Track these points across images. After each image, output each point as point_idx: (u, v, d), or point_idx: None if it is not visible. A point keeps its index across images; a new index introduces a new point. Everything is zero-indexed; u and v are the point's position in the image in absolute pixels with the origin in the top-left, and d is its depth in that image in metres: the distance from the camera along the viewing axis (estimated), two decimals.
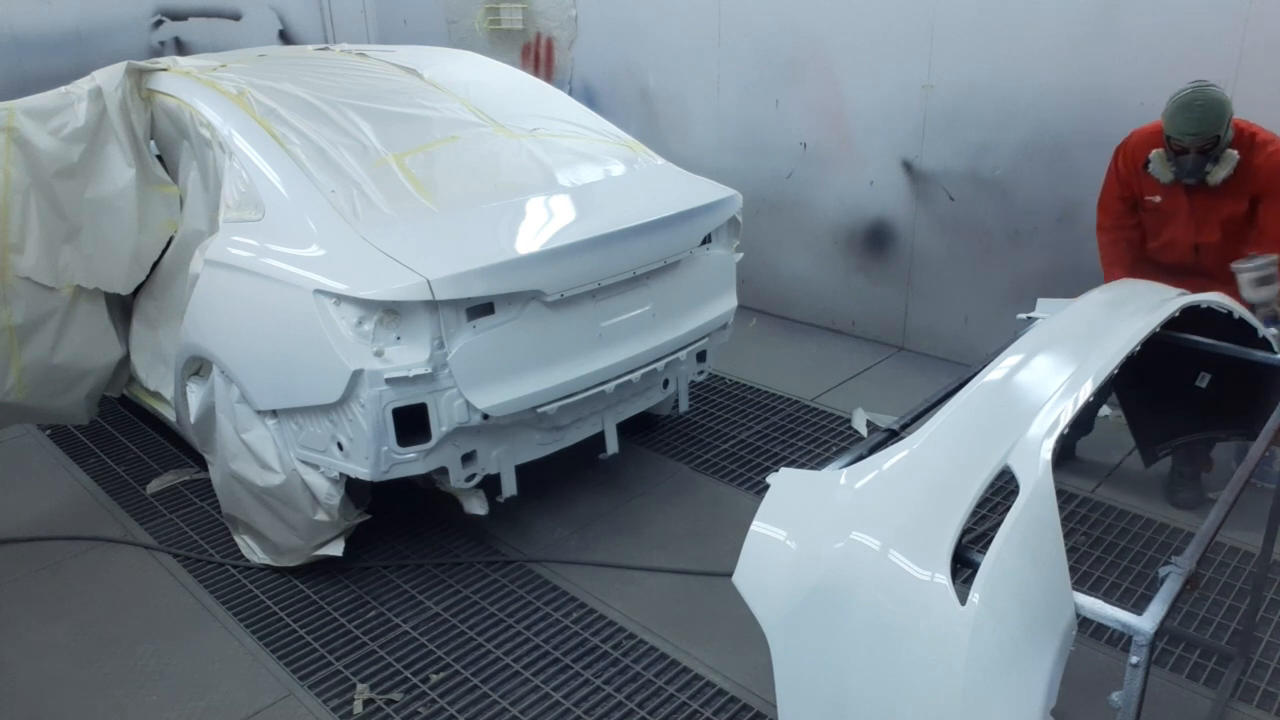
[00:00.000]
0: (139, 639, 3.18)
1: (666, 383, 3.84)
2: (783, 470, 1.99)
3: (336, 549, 3.34)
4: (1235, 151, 3.29)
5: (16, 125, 3.44)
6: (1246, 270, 3.20)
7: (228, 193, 3.34)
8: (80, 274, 3.64)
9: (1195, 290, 3.42)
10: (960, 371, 2.38)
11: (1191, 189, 3.38)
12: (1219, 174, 3.29)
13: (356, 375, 2.89)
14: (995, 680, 1.59)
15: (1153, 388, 2.94)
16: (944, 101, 4.71)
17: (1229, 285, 3.31)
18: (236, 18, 7.37)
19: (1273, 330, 3.11)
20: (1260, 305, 3.20)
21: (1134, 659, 1.59)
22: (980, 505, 1.81)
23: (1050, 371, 2.16)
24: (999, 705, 1.59)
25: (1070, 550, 3.48)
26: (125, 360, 3.97)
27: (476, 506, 3.39)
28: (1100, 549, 3.53)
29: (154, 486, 4.08)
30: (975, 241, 4.83)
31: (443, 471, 3.19)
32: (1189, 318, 2.58)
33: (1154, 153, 3.40)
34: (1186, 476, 3.71)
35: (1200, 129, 3.20)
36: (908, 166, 4.99)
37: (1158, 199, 3.48)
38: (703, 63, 5.71)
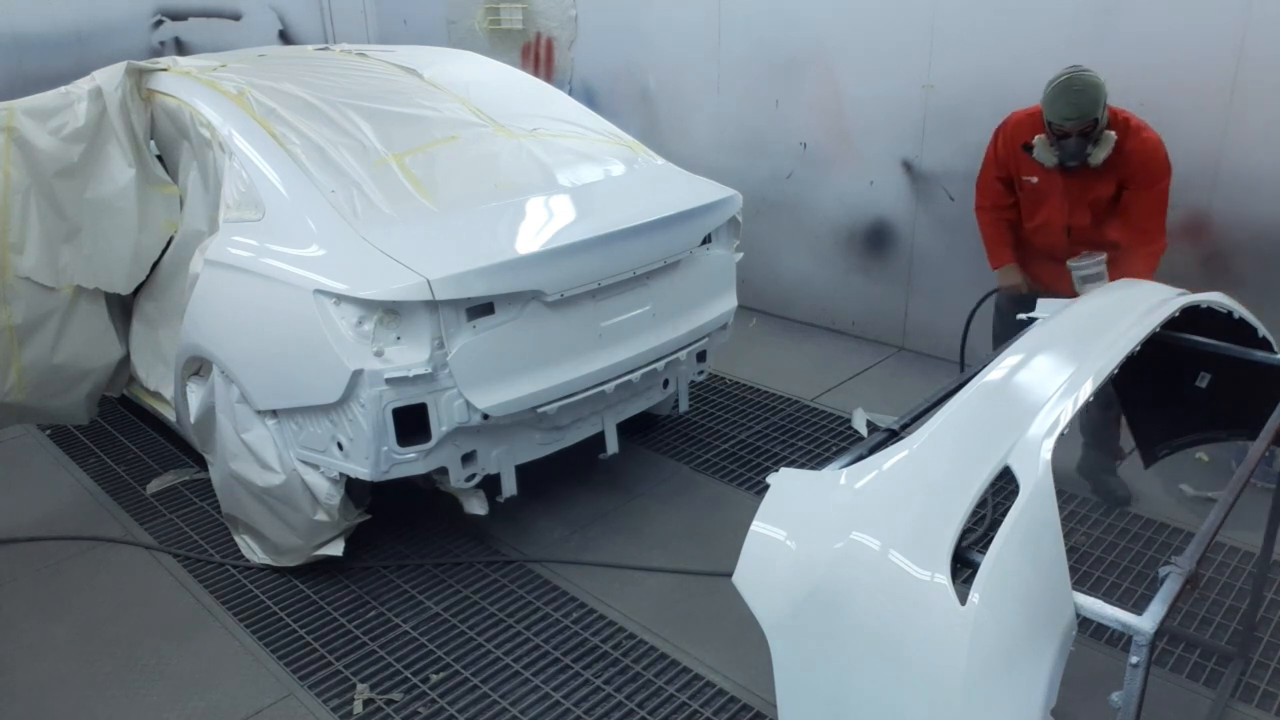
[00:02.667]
0: (139, 639, 3.18)
1: (666, 383, 3.84)
2: (783, 470, 1.99)
3: (336, 549, 3.34)
4: (1113, 133, 3.38)
5: (16, 125, 3.44)
6: (1077, 269, 3.34)
7: (228, 193, 3.34)
8: (80, 274, 3.64)
9: (1068, 285, 3.56)
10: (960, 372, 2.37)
11: (1068, 170, 3.46)
12: (1099, 155, 3.37)
13: (356, 375, 2.89)
14: (995, 680, 1.59)
15: (1153, 388, 2.94)
16: (944, 101, 4.71)
17: None
18: (236, 18, 7.37)
19: None
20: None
21: (1134, 659, 1.59)
22: (980, 505, 1.80)
23: (1050, 371, 2.16)
24: (999, 705, 1.59)
25: (1070, 550, 3.48)
26: (125, 360, 3.97)
27: (476, 506, 3.39)
28: (1100, 549, 3.53)
29: (154, 486, 4.08)
30: (975, 241, 4.81)
31: (443, 471, 3.19)
32: (1189, 318, 2.58)
33: (1037, 138, 3.48)
34: (1107, 471, 3.77)
35: (1080, 113, 3.27)
36: (908, 166, 4.99)
37: (1034, 179, 3.56)
38: (703, 63, 5.71)
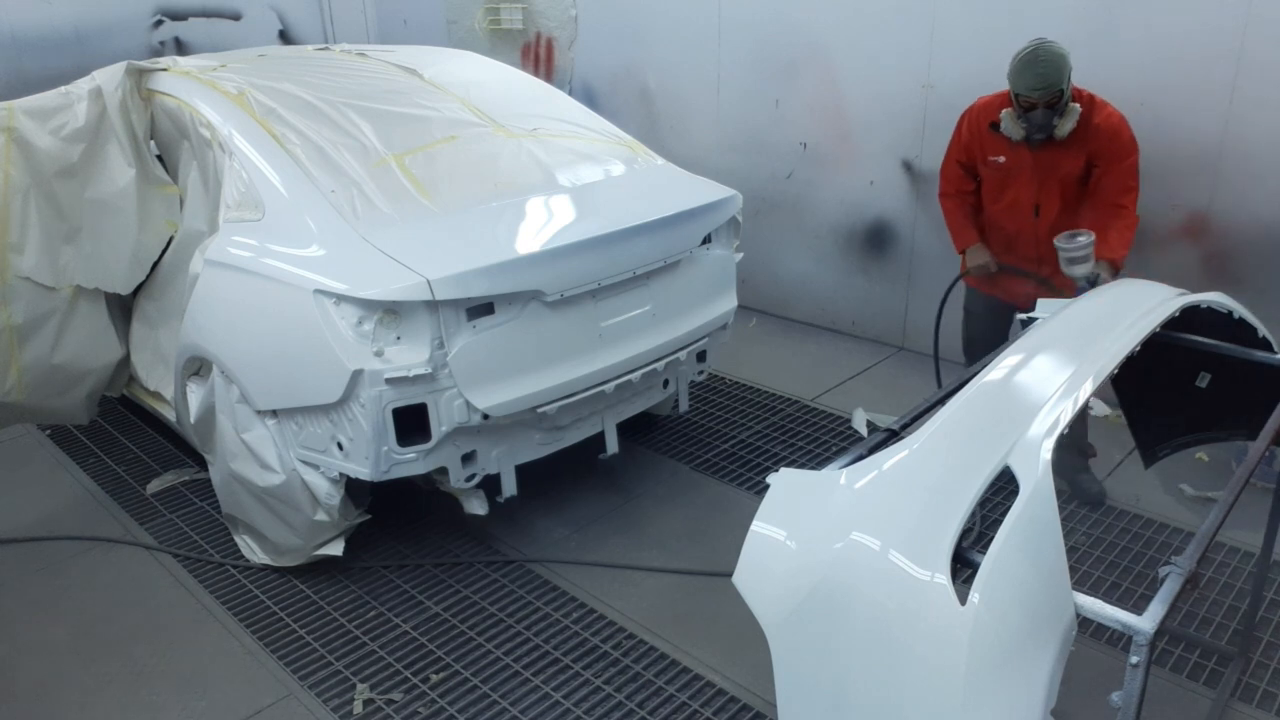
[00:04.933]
0: (139, 639, 3.18)
1: (666, 383, 3.84)
2: (783, 470, 1.99)
3: (336, 549, 3.34)
4: (1077, 105, 3.42)
5: (16, 125, 3.44)
6: (1065, 250, 3.31)
7: (228, 193, 3.34)
8: (80, 274, 3.64)
9: (1032, 264, 3.62)
10: (960, 371, 2.38)
11: (1036, 147, 3.49)
12: (1065, 126, 3.41)
13: (356, 375, 2.89)
14: (995, 680, 1.59)
15: (1153, 388, 2.94)
16: (944, 101, 4.70)
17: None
18: (236, 18, 7.37)
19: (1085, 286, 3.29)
20: (1075, 280, 3.33)
21: (1134, 659, 1.59)
22: (980, 505, 1.80)
23: (1050, 371, 2.16)
24: (999, 705, 1.59)
25: (1070, 550, 3.48)
26: (125, 360, 3.97)
27: (476, 506, 3.39)
28: (1100, 549, 3.53)
29: (154, 486, 4.08)
30: None
31: (443, 471, 3.19)
32: (1189, 318, 2.58)
33: (1004, 112, 3.51)
34: (1079, 469, 3.79)
35: (1047, 83, 3.32)
36: (908, 166, 4.99)
37: (1001, 158, 3.59)
38: (703, 63, 5.70)
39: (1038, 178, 3.54)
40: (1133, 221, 3.46)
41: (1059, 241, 3.33)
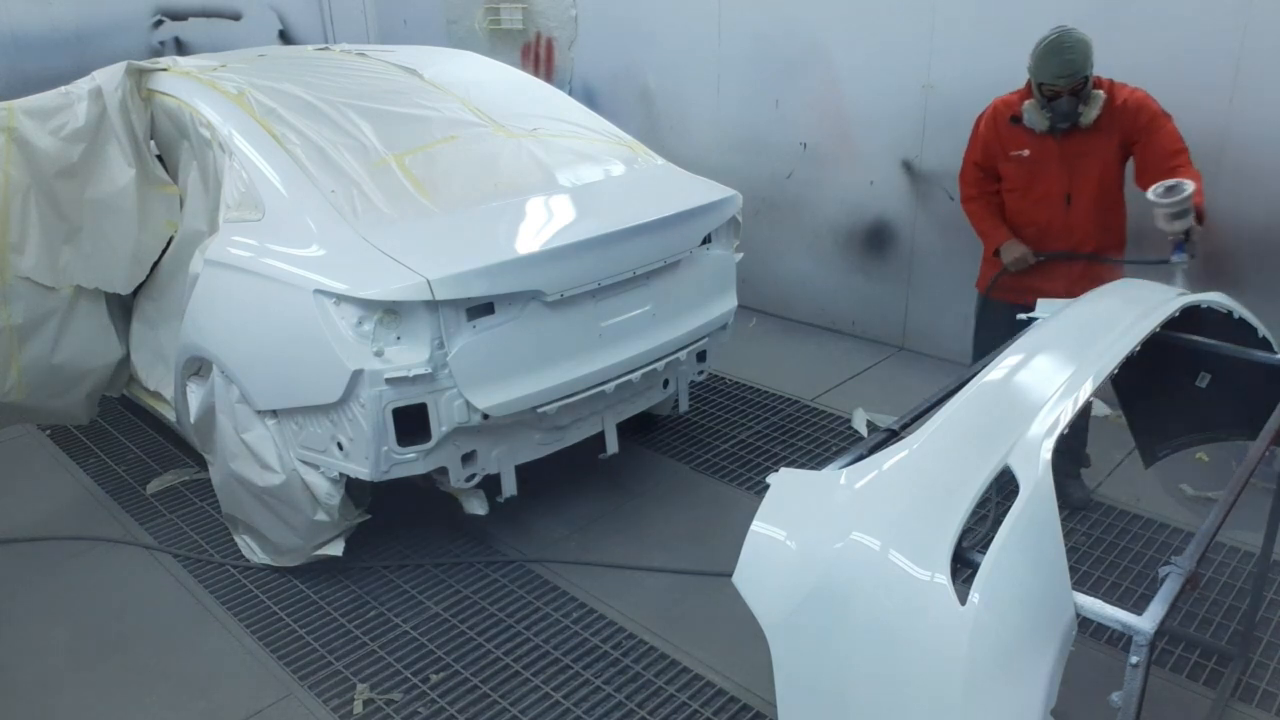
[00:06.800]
0: (139, 639, 3.17)
1: (666, 383, 3.84)
2: (783, 470, 1.99)
3: (336, 549, 3.34)
4: (1101, 91, 3.38)
5: (16, 125, 3.44)
6: (1165, 205, 3.17)
7: (228, 193, 3.34)
8: (80, 274, 3.64)
9: (1058, 255, 3.54)
10: (960, 371, 2.38)
11: (1061, 136, 3.45)
12: (1090, 114, 3.36)
13: (356, 375, 2.89)
14: (995, 680, 1.59)
15: (1153, 388, 2.94)
16: (944, 101, 4.71)
17: (1094, 245, 3.46)
18: (236, 18, 7.37)
19: (1178, 257, 3.21)
20: (1176, 234, 3.23)
21: (1134, 659, 1.58)
22: (980, 505, 1.81)
23: (1050, 371, 2.16)
24: (999, 705, 1.59)
25: (1070, 550, 3.48)
26: (125, 360, 3.97)
27: (476, 506, 3.39)
28: (1100, 549, 3.53)
29: (154, 486, 4.08)
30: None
31: (443, 471, 3.19)
32: (1189, 318, 2.58)
33: (1026, 104, 3.46)
34: (1070, 475, 3.76)
35: (1073, 70, 3.28)
36: (908, 166, 4.99)
37: (1026, 152, 3.53)
38: (703, 63, 5.71)
39: (1067, 167, 3.47)
40: (1196, 174, 3.29)
41: (1155, 195, 3.15)
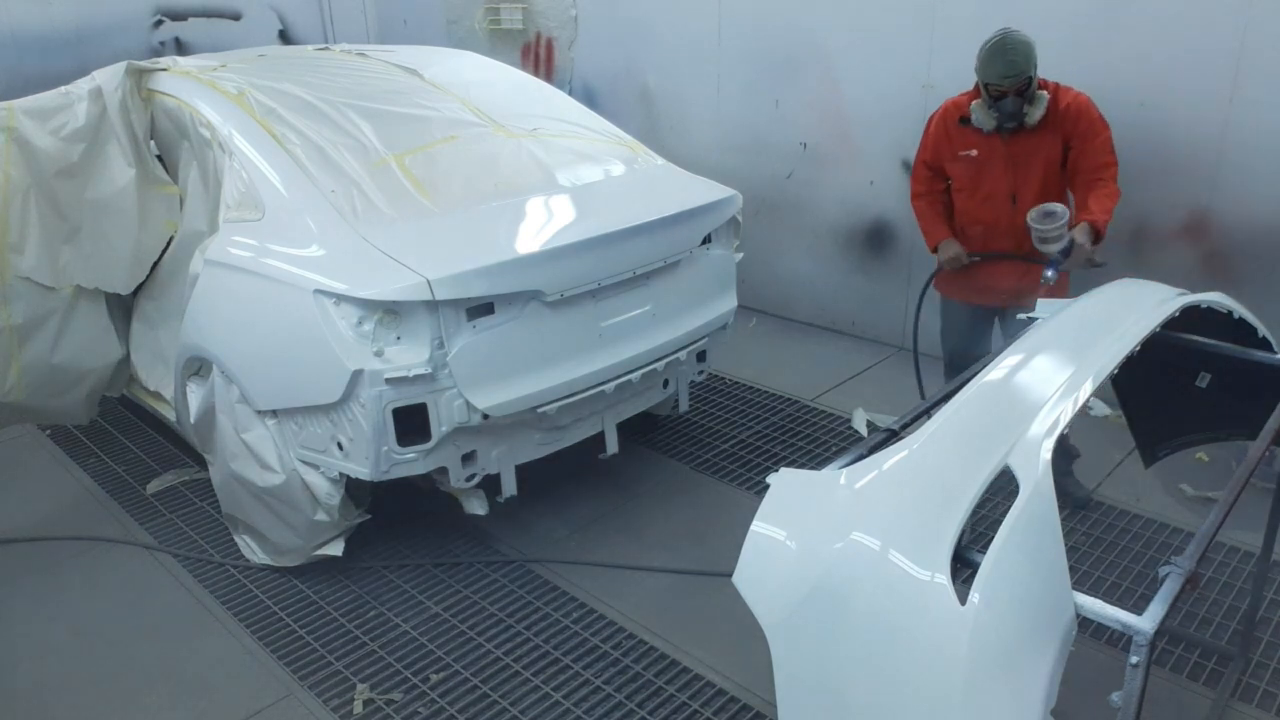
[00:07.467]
0: (139, 639, 3.17)
1: (666, 383, 3.84)
2: (783, 470, 1.99)
3: (336, 549, 3.34)
4: (1045, 92, 3.47)
5: (16, 125, 3.44)
6: (1037, 229, 3.36)
7: (228, 193, 3.34)
8: (80, 274, 3.64)
9: (1000, 264, 3.63)
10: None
11: (1008, 136, 3.52)
12: (1035, 114, 3.45)
13: (356, 375, 2.89)
14: (995, 680, 1.59)
15: (1153, 388, 2.94)
16: (944, 101, 4.69)
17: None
18: (236, 18, 7.37)
19: (1050, 274, 3.36)
20: (1051, 255, 3.39)
21: (1134, 659, 1.58)
22: (980, 505, 1.81)
23: (1050, 371, 2.16)
24: (999, 705, 1.59)
25: (1070, 550, 3.48)
26: (125, 360, 3.97)
27: (476, 506, 3.39)
28: (1100, 549, 3.53)
29: (154, 486, 4.08)
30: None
31: (443, 471, 3.19)
32: (1189, 318, 2.58)
33: (974, 104, 3.54)
34: (1063, 472, 3.76)
35: (1016, 70, 3.37)
36: (908, 166, 4.98)
37: (974, 152, 3.61)
38: (703, 63, 5.70)
39: (1012, 167, 3.56)
40: (1113, 191, 3.46)
41: (1032, 219, 3.35)
